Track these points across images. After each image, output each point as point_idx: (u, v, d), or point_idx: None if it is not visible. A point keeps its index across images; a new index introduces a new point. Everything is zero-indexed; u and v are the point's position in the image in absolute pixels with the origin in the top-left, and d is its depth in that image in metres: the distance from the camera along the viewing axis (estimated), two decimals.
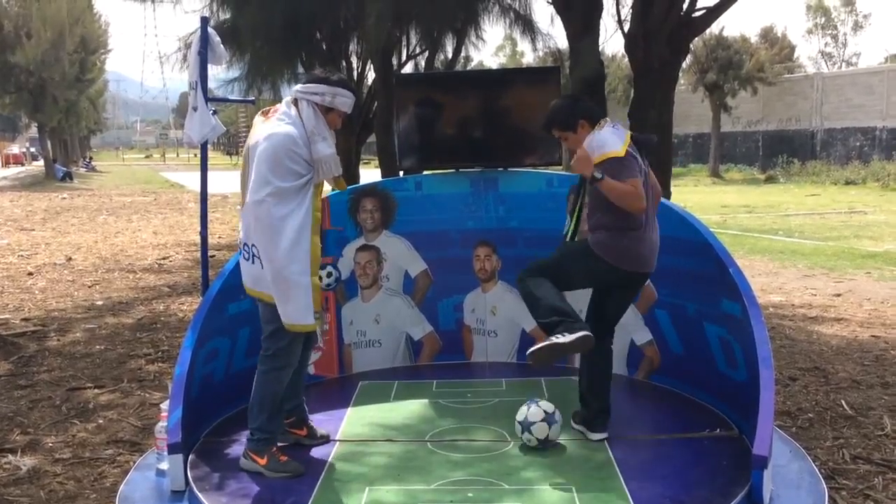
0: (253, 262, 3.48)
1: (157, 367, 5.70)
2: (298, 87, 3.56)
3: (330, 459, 3.66)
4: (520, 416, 3.75)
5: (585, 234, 3.83)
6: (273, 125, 3.45)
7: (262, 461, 3.53)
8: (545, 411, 3.71)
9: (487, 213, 5.17)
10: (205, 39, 4.44)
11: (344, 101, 3.54)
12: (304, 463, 3.58)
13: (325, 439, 3.89)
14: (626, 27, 7.24)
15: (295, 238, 3.36)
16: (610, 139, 3.67)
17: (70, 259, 11.07)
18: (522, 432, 3.73)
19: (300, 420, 3.86)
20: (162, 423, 3.63)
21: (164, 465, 3.55)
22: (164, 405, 3.69)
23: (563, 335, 3.50)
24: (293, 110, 3.48)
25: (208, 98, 4.53)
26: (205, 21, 4.51)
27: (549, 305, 3.63)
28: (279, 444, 3.66)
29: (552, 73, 5.51)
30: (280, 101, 3.64)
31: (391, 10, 8.33)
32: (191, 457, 3.63)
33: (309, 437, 3.86)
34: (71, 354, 6.06)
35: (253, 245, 3.45)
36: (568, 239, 3.88)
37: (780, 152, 30.50)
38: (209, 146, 4.91)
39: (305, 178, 3.43)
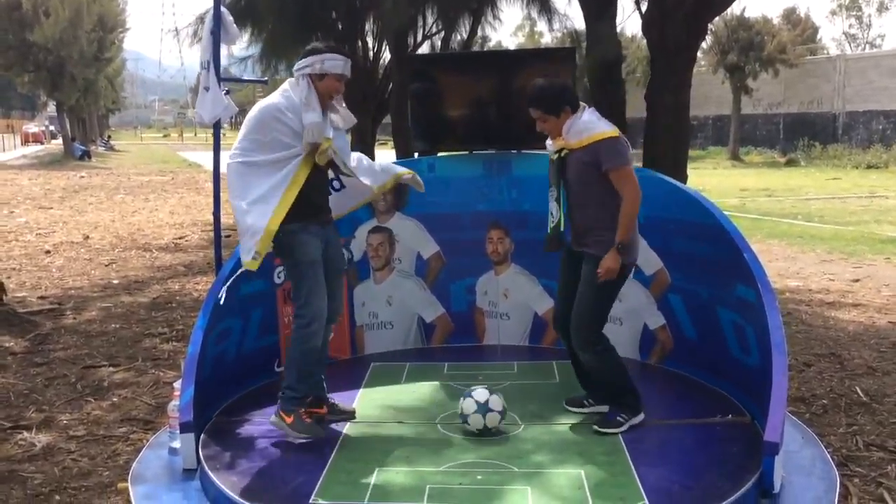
0: None
1: (172, 346, 5.74)
2: (295, 66, 3.69)
3: (340, 440, 3.67)
4: (459, 409, 3.76)
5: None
6: (267, 98, 3.65)
7: (289, 419, 3.62)
8: (477, 401, 3.68)
9: (500, 196, 5.14)
10: (218, 19, 4.41)
11: (334, 63, 3.60)
12: (316, 443, 3.60)
13: (351, 414, 3.92)
14: (644, 8, 7.15)
15: (262, 196, 3.52)
16: (597, 122, 3.67)
17: (87, 238, 11.16)
18: (462, 423, 3.74)
19: (318, 399, 3.89)
20: (175, 402, 3.66)
21: (176, 444, 3.58)
22: (177, 384, 3.71)
23: (632, 416, 3.77)
24: (293, 87, 3.62)
25: (221, 78, 4.51)
26: (218, 0, 4.48)
27: (621, 385, 3.82)
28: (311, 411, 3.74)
29: (568, 54, 5.45)
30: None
31: None
32: (202, 436, 3.65)
33: (332, 413, 3.88)
34: (86, 332, 6.11)
35: None
36: (562, 229, 3.83)
37: (802, 135, 30.19)
38: (227, 125, 4.92)
39: (293, 151, 3.55)
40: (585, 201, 3.72)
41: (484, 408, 3.67)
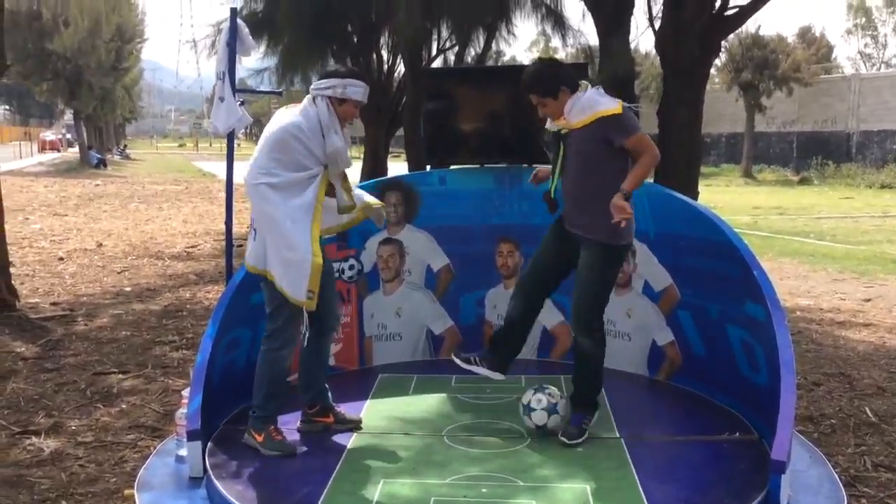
0: (254, 240, 3.62)
1: (182, 354, 5.77)
2: (313, 85, 3.67)
3: (347, 451, 3.68)
4: (525, 399, 3.84)
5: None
6: (287, 115, 3.60)
7: (259, 438, 3.65)
8: (550, 400, 3.77)
9: (511, 210, 5.15)
10: (234, 30, 4.46)
11: (356, 90, 3.61)
12: (322, 454, 3.61)
13: (357, 423, 3.95)
14: (658, 25, 7.17)
15: (292, 220, 3.47)
16: (600, 98, 3.64)
17: (101, 245, 11.24)
18: (524, 413, 3.83)
19: (324, 408, 3.92)
20: (182, 410, 3.68)
21: (183, 452, 3.59)
22: (186, 392, 3.74)
23: (593, 415, 3.84)
24: (311, 106, 3.59)
25: (236, 89, 4.56)
26: (234, 11, 4.53)
27: (601, 379, 3.87)
28: (306, 429, 3.82)
29: (580, 69, 5.46)
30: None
31: (422, 3, 8.33)
32: (209, 444, 3.66)
33: (338, 422, 3.91)
34: (97, 339, 6.15)
35: (253, 220, 3.61)
36: (553, 195, 3.85)
37: (815, 154, 30.08)
38: (242, 136, 4.97)
39: (310, 172, 3.53)
40: (584, 177, 3.70)
41: (553, 408, 3.77)
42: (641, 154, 3.62)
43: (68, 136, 56.67)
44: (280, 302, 3.59)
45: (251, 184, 3.52)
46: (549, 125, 3.84)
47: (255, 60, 12.78)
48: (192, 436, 3.46)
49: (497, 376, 3.97)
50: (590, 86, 3.73)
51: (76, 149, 40.70)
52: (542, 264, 3.94)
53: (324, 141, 3.53)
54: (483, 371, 3.96)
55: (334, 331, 3.99)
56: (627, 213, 3.53)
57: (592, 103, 3.63)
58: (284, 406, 3.83)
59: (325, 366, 4.00)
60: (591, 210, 3.69)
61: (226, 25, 4.58)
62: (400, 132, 13.54)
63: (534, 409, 3.78)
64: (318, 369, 3.91)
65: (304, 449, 3.70)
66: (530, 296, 3.97)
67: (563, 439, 3.71)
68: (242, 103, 4.64)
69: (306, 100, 3.64)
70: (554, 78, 3.70)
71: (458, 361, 4.04)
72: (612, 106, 3.63)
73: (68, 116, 50.27)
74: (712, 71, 7.41)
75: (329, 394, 3.95)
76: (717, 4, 6.91)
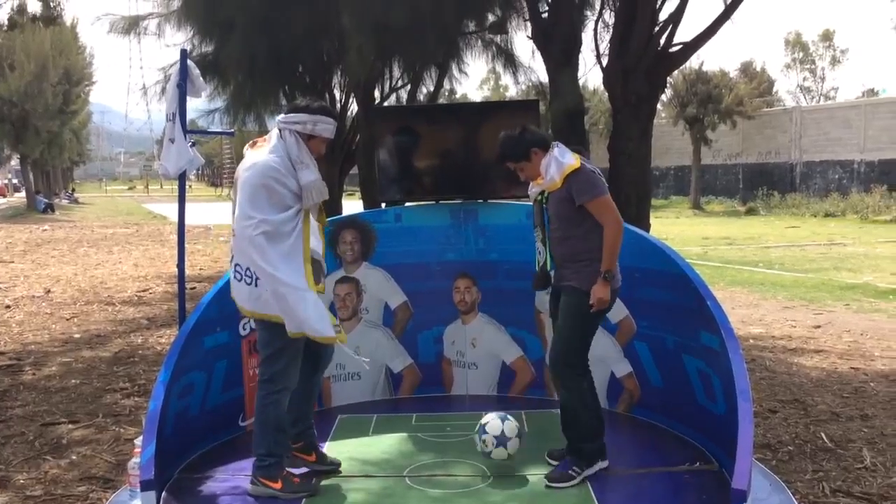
0: (254, 285, 3.49)
1: (134, 401, 5.62)
2: (280, 117, 3.62)
3: (306, 496, 3.60)
4: (484, 419, 3.84)
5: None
6: (257, 154, 3.54)
7: (277, 485, 3.55)
8: (503, 433, 3.76)
9: (467, 245, 5.17)
10: (184, 71, 4.43)
11: (326, 127, 3.59)
12: (280, 501, 3.53)
13: (337, 466, 3.89)
14: (605, 62, 7.33)
15: (291, 260, 3.43)
16: (561, 160, 3.72)
17: (49, 291, 10.96)
18: (477, 432, 3.83)
19: (309, 445, 3.86)
20: (135, 460, 3.57)
21: (136, 503, 3.48)
22: (138, 441, 3.63)
23: (588, 467, 3.75)
24: (279, 141, 3.54)
25: (188, 130, 4.52)
26: (184, 53, 4.51)
27: (590, 427, 3.79)
28: (292, 471, 3.69)
29: (531, 105, 5.55)
30: (264, 132, 3.69)
31: (373, 44, 8.39)
32: (164, 494, 3.56)
33: (319, 462, 3.86)
34: (46, 388, 5.97)
35: (247, 268, 3.48)
36: (548, 268, 3.87)
37: (761, 185, 30.84)
38: (193, 177, 4.90)
39: (293, 210, 3.48)
40: (566, 235, 3.76)
41: (503, 439, 3.75)
42: (602, 220, 3.66)
43: (14, 181, 55.52)
44: (283, 344, 3.53)
45: (246, 237, 3.42)
46: (531, 190, 3.90)
47: (205, 101, 12.72)
48: (145, 486, 3.36)
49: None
50: (557, 144, 3.80)
51: (23, 194, 39.85)
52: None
53: (296, 175, 3.49)
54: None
55: (326, 368, 3.94)
56: (604, 304, 3.67)
57: (559, 165, 3.70)
58: (307, 435, 3.81)
59: (314, 402, 3.95)
60: (574, 265, 3.74)
61: (176, 67, 4.55)
62: (354, 171, 13.53)
63: (486, 433, 3.78)
64: (308, 405, 3.86)
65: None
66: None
67: (545, 480, 3.69)
68: (193, 144, 4.60)
69: (274, 134, 3.58)
70: (522, 142, 3.79)
71: (553, 462, 3.94)
72: (571, 162, 3.69)
73: (15, 161, 49.30)
74: (658, 106, 7.57)
75: (315, 432, 3.90)
76: (662, 42, 7.09)
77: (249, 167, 3.49)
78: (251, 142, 3.70)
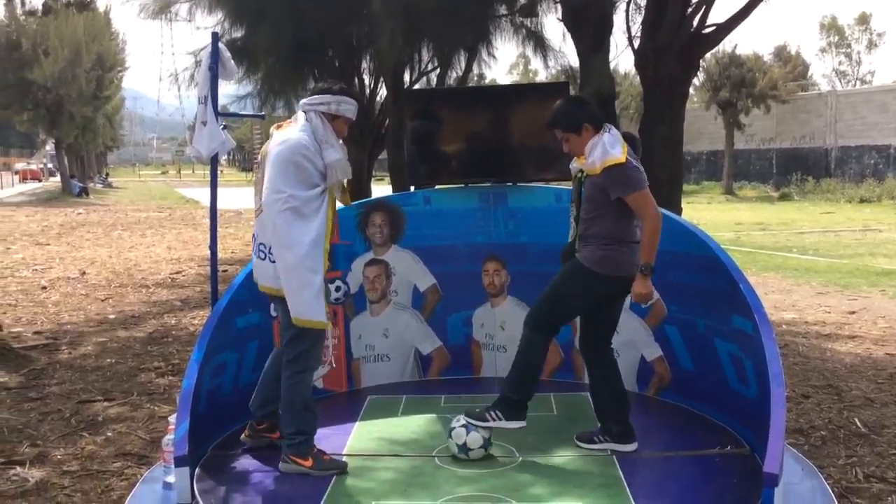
0: (268, 261, 3.58)
1: (168, 380, 5.71)
2: (305, 100, 3.68)
3: (336, 474, 3.64)
4: (455, 423, 3.83)
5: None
6: (287, 133, 3.60)
7: (307, 462, 3.60)
8: (468, 440, 3.74)
9: (497, 228, 5.16)
10: (215, 55, 4.46)
11: (348, 107, 3.65)
12: (312, 477, 3.57)
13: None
14: (637, 43, 7.25)
15: (313, 241, 3.47)
16: (609, 149, 3.67)
17: (84, 273, 11.14)
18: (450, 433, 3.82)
19: (272, 426, 3.90)
20: (169, 436, 3.63)
21: (170, 478, 3.54)
22: (172, 418, 3.69)
23: (505, 420, 3.78)
24: (305, 122, 3.60)
25: (219, 113, 4.55)
26: (215, 36, 4.53)
27: (522, 382, 3.80)
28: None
29: (562, 88, 5.51)
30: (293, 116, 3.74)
31: (403, 28, 8.38)
32: (197, 470, 3.62)
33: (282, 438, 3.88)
34: (82, 367, 6.08)
35: (271, 246, 3.54)
36: (576, 247, 3.86)
37: (794, 170, 30.42)
38: (224, 161, 4.94)
39: (319, 189, 3.53)
40: (592, 217, 3.75)
41: (463, 449, 3.74)
42: (642, 215, 3.64)
43: (49, 165, 56.39)
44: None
45: (276, 211, 3.45)
46: (571, 165, 3.88)
47: (236, 87, 12.81)
48: (179, 462, 3.41)
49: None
50: (610, 128, 3.76)
51: (58, 178, 40.45)
52: (587, 320, 3.96)
53: (322, 154, 3.54)
54: (611, 445, 3.85)
55: (315, 368, 3.93)
56: (646, 299, 3.74)
57: (604, 154, 3.65)
58: (274, 416, 3.82)
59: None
60: (589, 243, 3.75)
61: (207, 51, 4.58)
62: (383, 156, 13.56)
63: (453, 428, 3.78)
64: (278, 388, 3.84)
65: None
66: (590, 356, 3.96)
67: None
68: (225, 127, 4.63)
69: (300, 116, 3.64)
70: (578, 114, 3.76)
71: (583, 445, 3.92)
72: (618, 155, 3.64)
73: (50, 146, 50.06)
74: (691, 90, 7.46)
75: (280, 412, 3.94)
76: (695, 22, 6.99)
77: (281, 143, 3.54)
78: (276, 125, 3.76)
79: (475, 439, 3.74)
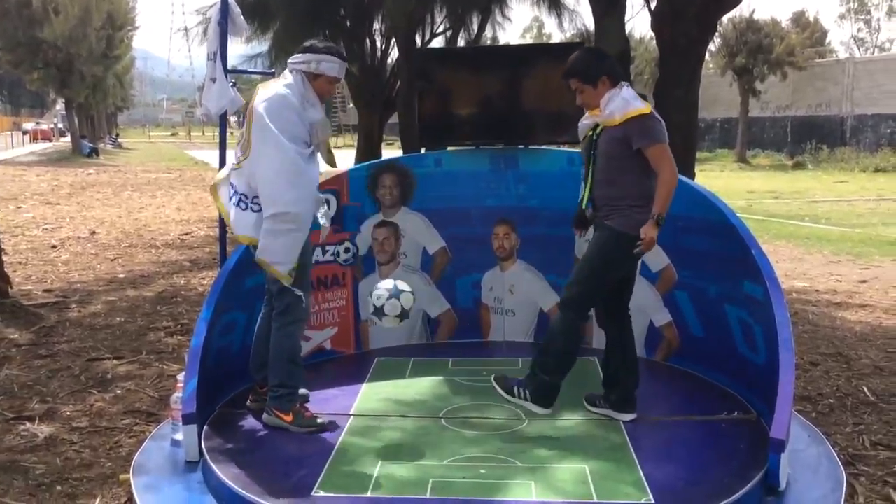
0: (252, 210, 3.55)
1: (176, 339, 5.74)
2: (290, 59, 3.66)
3: (343, 434, 3.65)
4: (370, 308, 3.79)
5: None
6: (273, 87, 3.58)
7: (288, 417, 3.63)
8: (387, 288, 3.72)
9: (507, 191, 5.11)
10: (225, 10, 4.40)
11: (330, 65, 3.60)
12: (319, 436, 3.58)
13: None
14: (653, 4, 7.12)
15: (302, 198, 3.48)
16: (632, 100, 3.61)
17: (94, 233, 11.17)
18: (380, 319, 3.78)
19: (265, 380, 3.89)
20: (178, 394, 3.64)
21: (178, 436, 3.56)
22: (181, 376, 3.70)
23: (531, 402, 3.81)
24: (292, 79, 3.58)
25: (228, 70, 4.49)
26: None
27: (559, 367, 3.78)
28: (305, 406, 3.75)
29: (576, 49, 5.40)
30: None
31: None
32: (205, 428, 3.64)
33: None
34: (91, 326, 6.11)
35: (254, 197, 3.53)
36: (584, 206, 3.81)
37: (809, 138, 30.04)
38: (234, 123, 4.89)
39: (303, 146, 3.53)
40: (612, 177, 3.66)
41: (396, 291, 3.70)
42: (659, 168, 3.56)
43: (60, 125, 56.34)
44: (294, 277, 3.58)
45: (279, 159, 3.43)
46: (582, 122, 3.80)
47: (246, 47, 12.71)
48: (187, 419, 3.44)
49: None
50: (626, 84, 3.69)
51: (68, 138, 40.44)
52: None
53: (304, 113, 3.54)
54: (609, 411, 3.85)
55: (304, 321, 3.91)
56: (653, 244, 3.58)
57: (625, 105, 3.58)
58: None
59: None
60: (616, 207, 3.67)
61: (217, 7, 4.51)
62: (394, 119, 13.47)
63: (382, 306, 3.70)
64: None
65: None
66: (609, 324, 3.94)
67: (494, 381, 3.90)
68: (234, 84, 4.58)
69: (287, 73, 3.63)
70: (597, 66, 3.67)
71: (589, 407, 3.92)
72: (641, 106, 3.58)
73: (60, 105, 49.99)
74: (706, 56, 7.28)
75: None
76: None
77: (266, 99, 3.51)
78: (262, 83, 3.72)
79: (394, 306, 3.69)
